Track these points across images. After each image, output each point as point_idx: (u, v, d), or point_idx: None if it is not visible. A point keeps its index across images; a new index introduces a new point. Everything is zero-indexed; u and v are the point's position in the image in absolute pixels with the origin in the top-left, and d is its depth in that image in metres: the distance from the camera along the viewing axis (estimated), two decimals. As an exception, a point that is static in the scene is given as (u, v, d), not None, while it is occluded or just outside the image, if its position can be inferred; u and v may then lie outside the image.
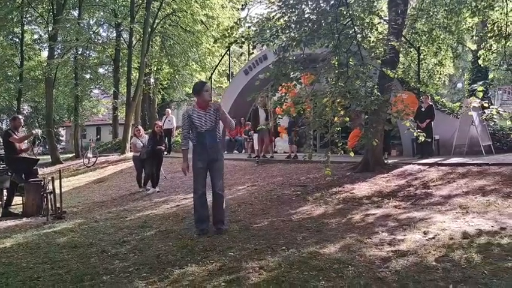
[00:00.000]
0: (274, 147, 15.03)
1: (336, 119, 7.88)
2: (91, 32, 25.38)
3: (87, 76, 26.43)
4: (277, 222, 5.97)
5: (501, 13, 9.30)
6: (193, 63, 24.58)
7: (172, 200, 8.78)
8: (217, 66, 21.62)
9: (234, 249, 4.76)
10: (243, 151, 15.83)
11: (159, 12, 22.78)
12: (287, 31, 8.59)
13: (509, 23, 9.39)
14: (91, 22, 27.04)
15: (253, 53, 10.83)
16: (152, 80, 27.36)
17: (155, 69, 26.57)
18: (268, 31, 8.73)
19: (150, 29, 21.60)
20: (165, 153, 12.69)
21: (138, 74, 21.45)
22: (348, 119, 7.98)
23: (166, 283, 3.90)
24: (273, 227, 5.69)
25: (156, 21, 22.86)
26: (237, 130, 16.51)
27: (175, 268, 4.26)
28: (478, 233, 4.80)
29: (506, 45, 9.04)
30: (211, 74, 20.82)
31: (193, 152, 5.66)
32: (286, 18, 8.55)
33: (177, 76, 26.10)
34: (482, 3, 8.95)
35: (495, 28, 9.45)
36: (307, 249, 4.57)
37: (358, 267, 3.95)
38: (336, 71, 7.98)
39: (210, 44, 21.92)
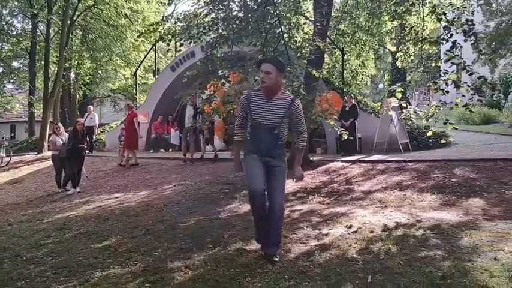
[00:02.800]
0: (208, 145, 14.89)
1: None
2: (3, 23, 23.60)
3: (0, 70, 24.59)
4: (205, 220, 5.89)
5: (418, 18, 9.86)
6: (117, 58, 23.66)
7: (94, 200, 8.38)
8: (142, 61, 21.00)
9: (160, 249, 4.64)
10: (170, 150, 15.51)
11: (80, 4, 21.67)
12: (215, 28, 8.53)
13: (425, 28, 10.00)
14: (4, 12, 25.09)
15: (180, 49, 10.61)
16: (72, 75, 26.00)
17: (76, 63, 25.23)
18: (195, 28, 8.61)
19: (69, 22, 20.48)
20: (87, 152, 12.10)
21: (56, 69, 20.24)
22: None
23: (86, 286, 3.72)
24: (200, 226, 5.61)
25: (77, 13, 21.73)
26: (164, 128, 16.16)
27: (96, 271, 4.08)
28: (396, 225, 5.06)
29: (422, 48, 9.60)
30: (136, 70, 20.19)
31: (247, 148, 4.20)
32: (213, 15, 8.49)
33: (99, 71, 25.00)
34: (401, 8, 9.44)
35: (412, 32, 10.01)
36: (233, 246, 4.57)
37: (283, 262, 4.02)
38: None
39: (134, 39, 21.20)
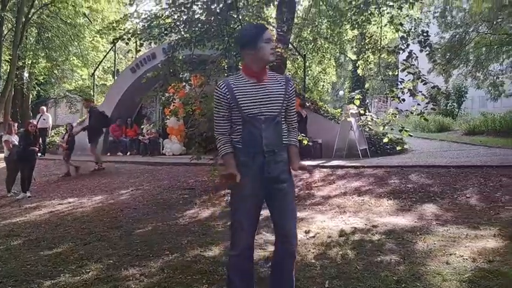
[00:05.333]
0: (163, 148, 14.67)
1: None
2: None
3: None
4: (163, 226, 5.77)
5: (377, 27, 10.10)
6: (75, 58, 22.95)
7: (46, 205, 8.03)
8: (101, 62, 20.45)
9: (114, 257, 4.50)
10: (128, 153, 15.16)
11: (36, 1, 20.91)
12: (176, 30, 8.42)
13: (383, 37, 10.27)
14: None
15: (140, 50, 10.41)
16: (26, 75, 24.99)
17: (30, 62, 24.28)
18: (156, 28, 8.46)
19: (24, 19, 19.71)
20: (39, 154, 11.63)
21: (9, 68, 19.40)
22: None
23: (34, 296, 3.54)
24: (157, 232, 5.49)
25: (32, 10, 20.94)
26: (122, 130, 15.78)
27: (45, 279, 3.90)
28: (353, 230, 5.13)
29: (381, 57, 9.84)
30: (94, 71, 19.65)
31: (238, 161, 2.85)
32: (175, 16, 8.37)
33: (55, 71, 24.16)
34: (361, 17, 9.64)
35: (372, 41, 10.25)
36: (191, 253, 4.50)
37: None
38: (226, 74, 8.02)
39: (93, 38, 20.63)
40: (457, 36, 16.43)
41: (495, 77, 17.78)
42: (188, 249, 4.62)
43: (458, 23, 16.52)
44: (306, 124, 11.37)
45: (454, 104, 23.05)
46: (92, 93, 20.72)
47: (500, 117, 17.15)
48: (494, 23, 15.31)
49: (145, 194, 8.21)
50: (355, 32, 10.86)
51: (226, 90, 2.78)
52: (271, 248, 4.48)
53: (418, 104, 8.61)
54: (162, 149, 14.67)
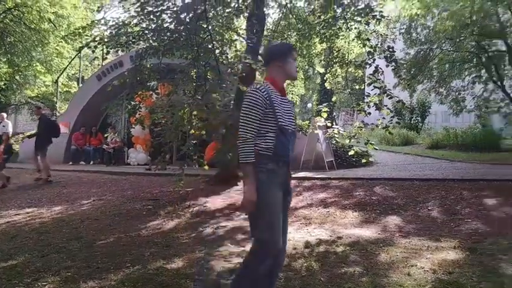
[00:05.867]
0: (128, 158, 14.40)
1: (192, 131, 7.84)
2: None
3: None
4: (125, 238, 5.62)
5: (345, 42, 10.28)
6: (38, 63, 22.28)
7: (2, 215, 7.65)
8: (65, 68, 19.96)
9: (72, 269, 4.34)
10: (91, 162, 14.79)
11: (-1, 6, 20.27)
12: (145, 38, 8.33)
13: (351, 52, 10.45)
14: None
15: (107, 57, 10.23)
16: (-15, 80, 24.08)
17: (-11, 68, 23.41)
18: (124, 36, 8.34)
19: (-14, 24, 19.09)
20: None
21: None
22: (204, 132, 7.99)
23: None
24: (119, 244, 5.34)
25: (-5, 15, 20.31)
26: (86, 139, 15.40)
27: (-3, 294, 3.70)
28: (318, 242, 5.14)
29: (348, 71, 10.01)
30: (58, 77, 19.15)
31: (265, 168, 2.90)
32: (144, 25, 8.28)
33: (17, 77, 23.37)
34: (330, 31, 9.79)
35: (340, 55, 10.41)
36: (154, 265, 4.39)
37: (205, 281, 3.94)
38: (194, 84, 7.97)
39: (58, 44, 20.09)
40: (421, 53, 16.91)
41: (457, 93, 18.38)
42: (151, 262, 4.50)
43: (423, 40, 17.00)
44: None
45: (418, 118, 23.68)
46: (55, 100, 20.17)
47: (461, 132, 17.71)
48: (457, 40, 15.86)
49: (107, 204, 8.00)
50: (324, 45, 10.99)
51: (266, 95, 2.84)
52: (235, 260, 4.46)
53: (384, 118, 8.79)
54: (127, 159, 14.41)
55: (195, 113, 7.64)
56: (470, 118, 21.44)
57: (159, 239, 5.48)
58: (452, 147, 16.68)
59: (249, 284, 2.93)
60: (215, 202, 7.76)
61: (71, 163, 14.40)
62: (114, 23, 8.46)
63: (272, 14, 13.62)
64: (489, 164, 12.10)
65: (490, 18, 15.28)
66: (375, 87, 8.48)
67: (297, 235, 5.51)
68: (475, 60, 16.69)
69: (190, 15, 7.89)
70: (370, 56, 8.72)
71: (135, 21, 8.29)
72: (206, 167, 7.89)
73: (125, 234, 5.78)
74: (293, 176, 9.81)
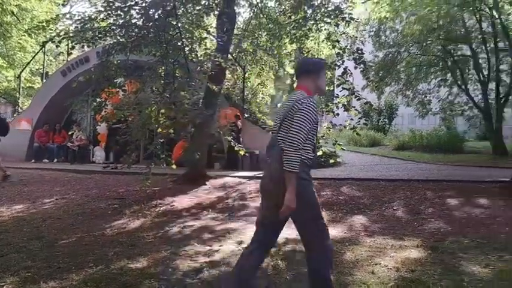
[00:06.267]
0: (93, 156, 14.08)
1: (160, 129, 7.73)
2: None
3: None
4: (88, 237, 5.48)
5: (315, 43, 10.35)
6: (0, 58, 21.49)
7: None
8: (29, 63, 19.25)
9: (33, 269, 4.20)
10: (55, 160, 14.37)
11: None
12: (112, 34, 8.14)
13: (320, 53, 10.54)
14: None
15: (72, 53, 9.97)
16: None
17: None
18: (90, 31, 8.14)
19: None
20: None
21: None
22: (172, 130, 7.89)
23: None
24: (82, 243, 5.20)
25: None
26: (49, 136, 14.93)
27: (-50, 296, 3.53)
28: (285, 241, 5.12)
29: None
30: (21, 72, 18.46)
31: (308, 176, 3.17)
32: (111, 20, 8.10)
33: (-24, 71, 22.50)
34: (300, 32, 9.85)
35: (309, 56, 10.46)
36: (118, 264, 4.31)
37: (170, 280, 3.89)
38: (162, 81, 7.86)
39: (20, 37, 19.39)
40: (389, 56, 17.19)
41: (423, 96, 18.81)
42: (114, 261, 4.41)
43: (391, 43, 17.29)
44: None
45: (386, 120, 24.15)
46: (17, 95, 19.49)
47: (427, 134, 18.18)
48: (424, 44, 16.22)
49: (71, 203, 7.78)
50: (294, 46, 11.05)
51: (316, 107, 2.99)
52: (202, 259, 4.42)
53: (351, 119, 8.91)
54: (92, 157, 14.09)
55: (162, 111, 7.53)
56: (436, 120, 21.99)
57: (123, 239, 5.37)
58: (418, 149, 17.10)
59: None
60: (182, 201, 7.68)
61: (33, 161, 13.93)
62: (80, 17, 8.24)
63: (243, 13, 13.64)
64: (452, 165, 12.46)
65: (455, 24, 15.70)
66: (343, 88, 8.59)
67: (264, 234, 5.50)
68: (441, 64, 17.07)
69: (159, 11, 7.78)
70: (339, 58, 8.83)
71: (102, 16, 8.09)
72: (174, 166, 7.79)
73: (88, 234, 5.64)
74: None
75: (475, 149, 16.80)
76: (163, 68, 7.83)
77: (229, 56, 10.29)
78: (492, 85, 15.57)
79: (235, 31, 11.07)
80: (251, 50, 11.58)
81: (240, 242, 5.09)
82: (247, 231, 5.64)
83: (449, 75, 17.32)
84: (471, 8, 14.39)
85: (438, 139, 17.35)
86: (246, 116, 12.28)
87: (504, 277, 3.79)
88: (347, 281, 3.78)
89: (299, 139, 2.87)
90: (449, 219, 6.18)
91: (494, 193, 7.50)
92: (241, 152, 8.14)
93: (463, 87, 16.48)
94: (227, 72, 10.40)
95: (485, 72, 15.58)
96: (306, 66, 3.31)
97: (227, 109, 9.05)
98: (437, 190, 7.89)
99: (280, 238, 5.19)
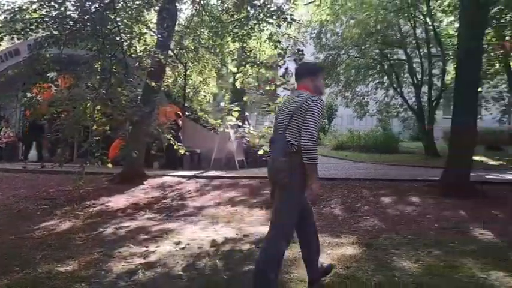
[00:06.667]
0: (22, 154, 13.32)
1: (95, 127, 7.42)
2: None
3: None
4: (15, 240, 5.15)
5: (257, 42, 10.37)
6: None
7: None
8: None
9: (-51, 276, 3.85)
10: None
11: None
12: (44, 26, 7.71)
13: (262, 53, 10.58)
14: None
15: (0, 45, 9.36)
16: None
17: None
18: (21, 23, 7.66)
19: None
20: None
21: None
22: (108, 127, 7.61)
23: None
24: (8, 246, 4.88)
25: None
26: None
27: None
28: (224, 241, 5.11)
29: (259, 71, 10.11)
30: None
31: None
32: (44, 11, 7.67)
33: None
34: (242, 31, 9.83)
35: (251, 55, 10.48)
36: (45, 268, 4.08)
37: (102, 283, 3.74)
38: (98, 77, 7.55)
39: None
40: (330, 58, 17.65)
41: (361, 98, 19.46)
42: (42, 265, 4.17)
43: (332, 45, 17.74)
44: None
45: (326, 120, 24.75)
46: None
47: (364, 135, 18.82)
48: (363, 48, 16.79)
49: (-4, 204, 7.30)
50: (236, 45, 11.03)
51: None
52: (137, 261, 4.27)
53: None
54: (21, 155, 13.32)
55: (98, 107, 7.23)
56: (373, 121, 22.83)
57: (53, 241, 5.09)
58: (356, 149, 17.68)
59: None
60: (118, 201, 7.42)
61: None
62: (9, 7, 7.75)
63: (185, 10, 13.43)
64: (388, 164, 12.97)
65: (392, 29, 16.38)
66: (284, 88, 8.68)
67: (202, 234, 5.44)
68: (378, 67, 17.74)
69: (96, 4, 7.47)
70: (281, 58, 8.91)
71: (34, 6, 7.66)
72: (110, 165, 7.52)
73: (14, 236, 5.30)
74: (203, 174, 9.77)
75: (409, 149, 17.61)
76: (99, 63, 7.53)
77: (170, 52, 10.10)
78: (425, 88, 16.39)
79: (177, 28, 10.88)
80: (193, 48, 11.42)
81: (178, 243, 4.99)
82: (186, 231, 5.57)
83: (385, 78, 18.03)
84: (406, 15, 15.11)
85: (375, 139, 18.03)
86: (187, 114, 12.11)
87: (433, 271, 3.95)
88: (285, 279, 3.79)
89: (315, 133, 3.12)
90: (383, 217, 6.38)
91: (425, 192, 7.86)
92: (181, 151, 7.99)
93: (399, 90, 17.23)
94: (167, 69, 10.19)
95: (419, 76, 16.36)
96: (306, 69, 3.68)
97: (167, 107, 8.86)
98: (373, 189, 8.15)
99: (220, 238, 5.20)
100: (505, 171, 11.03)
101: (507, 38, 12.82)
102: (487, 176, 9.76)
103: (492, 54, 14.40)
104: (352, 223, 6.10)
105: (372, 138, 18.20)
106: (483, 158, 13.79)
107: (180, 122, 11.24)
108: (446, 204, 6.97)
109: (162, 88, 9.18)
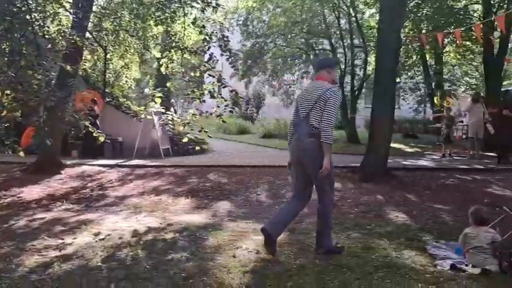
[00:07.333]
0: None
1: (4, 112, 6.84)
2: None
3: None
4: None
5: (182, 27, 10.09)
6: None
7: None
8: None
9: None
10: None
11: None
12: None
13: (188, 38, 10.33)
14: None
15: None
16: None
17: None
18: None
19: None
20: None
21: None
22: (20, 113, 7.06)
23: None
24: None
25: None
26: None
27: None
28: (147, 230, 4.96)
29: (184, 57, 9.85)
30: None
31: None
32: None
33: None
34: (166, 14, 9.52)
35: (176, 40, 10.18)
36: None
37: (13, 278, 3.50)
38: (6, 59, 6.95)
39: None
40: (257, 46, 17.64)
41: (288, 87, 19.78)
42: None
43: (259, 33, 17.71)
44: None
45: (254, 108, 24.92)
46: None
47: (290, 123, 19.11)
48: (289, 37, 16.96)
49: None
50: (160, 28, 10.67)
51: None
52: (52, 254, 4.01)
53: (218, 106, 8.90)
54: None
55: (8, 92, 6.66)
56: (299, 110, 23.23)
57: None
58: (282, 137, 17.90)
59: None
60: (32, 192, 6.96)
61: None
62: None
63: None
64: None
65: (317, 19, 16.68)
66: (209, 75, 8.52)
67: (124, 224, 5.24)
68: (304, 56, 18.03)
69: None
70: (206, 44, 8.72)
71: None
72: (22, 154, 6.99)
73: None
74: (126, 163, 9.45)
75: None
76: (7, 43, 6.93)
77: (88, 34, 9.55)
78: (348, 78, 16.97)
79: (95, 8, 10.30)
80: (113, 30, 10.87)
81: (97, 234, 4.77)
82: (106, 222, 5.35)
83: (311, 67, 18.42)
84: (331, 5, 15.49)
85: (301, 128, 18.34)
86: (108, 100, 11.56)
87: (351, 253, 4.10)
88: (208, 266, 3.75)
89: (333, 119, 3.90)
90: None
91: (346, 177, 8.17)
92: (101, 139, 7.61)
93: (323, 79, 17.63)
94: (86, 52, 9.64)
95: (343, 66, 16.91)
96: (324, 62, 4.58)
97: (85, 92, 8.38)
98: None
99: (142, 228, 5.03)
100: (419, 158, 11.76)
101: (423, 31, 13.64)
102: (404, 162, 10.33)
103: (410, 46, 15.30)
104: (278, 209, 6.16)
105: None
106: (400, 146, 14.58)
107: (97, 109, 10.71)
108: (365, 189, 7.29)
109: (80, 72, 8.64)
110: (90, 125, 8.02)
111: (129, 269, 3.73)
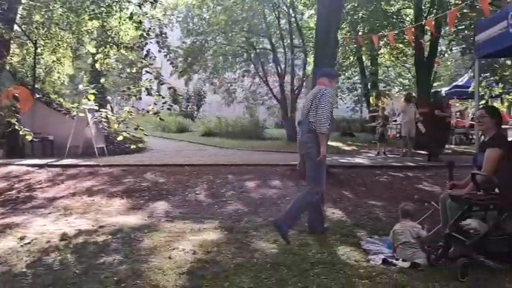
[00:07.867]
0: None
1: None
2: None
3: None
4: None
5: (119, 22, 9.75)
6: None
7: None
8: None
9: None
10: None
11: None
12: None
13: (125, 34, 10.00)
14: None
15: None
16: None
17: None
18: None
19: None
20: None
21: None
22: None
23: None
24: None
25: None
26: None
27: None
28: (78, 233, 4.75)
29: (121, 53, 9.54)
30: None
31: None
32: None
33: None
34: (101, 8, 9.14)
35: (112, 35, 9.81)
36: None
37: None
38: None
39: None
40: (197, 43, 17.41)
41: (229, 85, 19.72)
42: None
43: (199, 30, 17.49)
44: None
45: (194, 106, 24.65)
46: None
47: (232, 122, 19.13)
48: (230, 35, 16.89)
49: None
50: (95, 23, 10.23)
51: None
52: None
53: (155, 104, 8.68)
54: None
55: None
56: (240, 109, 23.31)
57: None
58: (223, 135, 17.90)
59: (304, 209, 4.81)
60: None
61: None
62: None
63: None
64: (254, 150, 13.37)
65: (258, 18, 16.73)
66: (146, 72, 8.29)
67: (52, 227, 5.00)
68: (245, 55, 18.05)
69: None
70: (143, 40, 8.48)
71: None
72: None
73: None
74: (57, 163, 9.01)
75: (273, 136, 18.38)
76: None
77: (16, 27, 8.97)
78: (288, 78, 17.19)
79: (25, 1, 9.71)
80: (43, 23, 10.27)
81: (23, 237, 4.53)
82: (33, 225, 5.08)
83: (252, 66, 18.48)
84: (271, 5, 15.61)
85: (242, 126, 18.43)
86: (38, 96, 10.92)
87: (288, 251, 4.12)
88: (142, 268, 3.63)
89: (326, 112, 4.50)
90: (246, 201, 6.51)
91: (286, 175, 8.24)
92: (28, 137, 7.14)
93: (264, 78, 17.80)
94: (13, 45, 9.06)
95: (283, 66, 17.10)
96: (326, 71, 5.25)
97: (11, 88, 7.84)
98: (238, 174, 8.30)
99: (73, 231, 4.78)
100: (356, 156, 12.12)
101: (360, 33, 14.07)
102: (341, 160, 10.58)
103: (347, 48, 15.75)
104: (216, 208, 6.12)
105: (239, 125, 18.58)
106: (338, 144, 14.97)
107: (18, 105, 10.08)
108: (303, 187, 7.36)
109: (7, 67, 8.06)
110: (16, 123, 7.51)
111: (57, 274, 3.55)
